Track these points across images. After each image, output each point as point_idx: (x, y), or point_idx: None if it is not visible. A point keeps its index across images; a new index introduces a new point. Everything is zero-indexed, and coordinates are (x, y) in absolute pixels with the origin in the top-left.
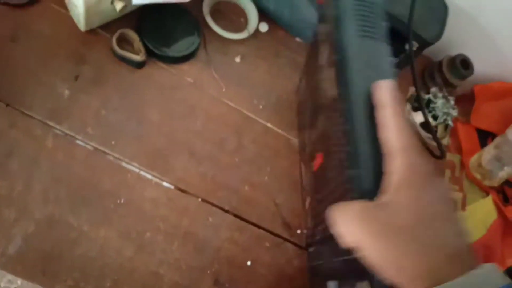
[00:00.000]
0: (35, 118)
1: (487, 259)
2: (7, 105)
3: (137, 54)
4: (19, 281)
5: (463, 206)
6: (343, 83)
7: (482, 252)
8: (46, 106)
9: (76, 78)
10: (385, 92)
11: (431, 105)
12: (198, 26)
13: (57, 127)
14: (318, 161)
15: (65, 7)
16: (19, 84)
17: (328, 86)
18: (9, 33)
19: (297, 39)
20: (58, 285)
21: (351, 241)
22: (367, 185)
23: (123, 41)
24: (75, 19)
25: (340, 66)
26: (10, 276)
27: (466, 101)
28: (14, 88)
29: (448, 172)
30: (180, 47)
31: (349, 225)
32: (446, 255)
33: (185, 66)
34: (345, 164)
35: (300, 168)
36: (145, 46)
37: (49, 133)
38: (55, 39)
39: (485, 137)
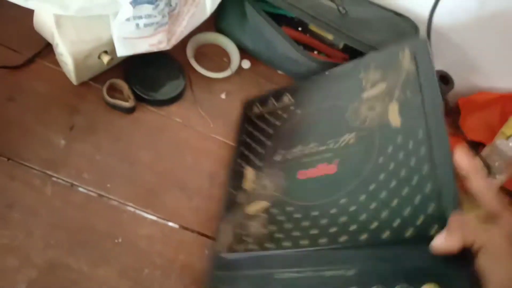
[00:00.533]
0: (34, 168)
1: None
2: (8, 159)
3: (127, 100)
4: None
5: None
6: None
7: None
8: (44, 156)
9: (71, 128)
10: (468, 160)
11: None
12: (182, 69)
13: (55, 175)
14: (321, 170)
15: (58, 64)
16: (18, 139)
17: (372, 112)
18: (7, 93)
19: (279, 71)
20: None
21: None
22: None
23: (113, 90)
24: (67, 75)
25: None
26: None
27: (453, 114)
28: (14, 143)
29: None
30: (166, 90)
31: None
32: None
33: (173, 108)
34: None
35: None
36: (133, 92)
37: (48, 182)
38: (50, 94)
39: (475, 148)
